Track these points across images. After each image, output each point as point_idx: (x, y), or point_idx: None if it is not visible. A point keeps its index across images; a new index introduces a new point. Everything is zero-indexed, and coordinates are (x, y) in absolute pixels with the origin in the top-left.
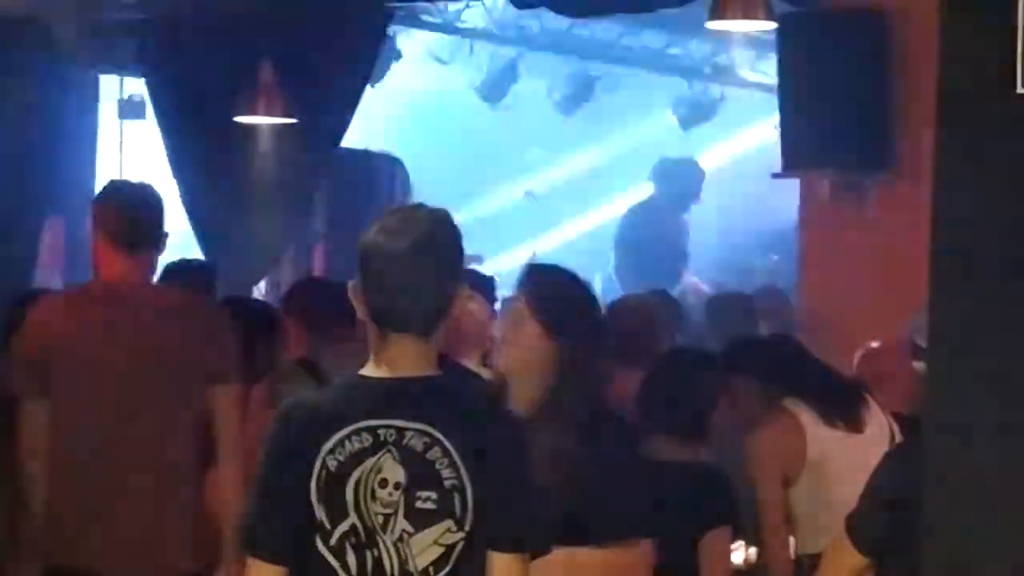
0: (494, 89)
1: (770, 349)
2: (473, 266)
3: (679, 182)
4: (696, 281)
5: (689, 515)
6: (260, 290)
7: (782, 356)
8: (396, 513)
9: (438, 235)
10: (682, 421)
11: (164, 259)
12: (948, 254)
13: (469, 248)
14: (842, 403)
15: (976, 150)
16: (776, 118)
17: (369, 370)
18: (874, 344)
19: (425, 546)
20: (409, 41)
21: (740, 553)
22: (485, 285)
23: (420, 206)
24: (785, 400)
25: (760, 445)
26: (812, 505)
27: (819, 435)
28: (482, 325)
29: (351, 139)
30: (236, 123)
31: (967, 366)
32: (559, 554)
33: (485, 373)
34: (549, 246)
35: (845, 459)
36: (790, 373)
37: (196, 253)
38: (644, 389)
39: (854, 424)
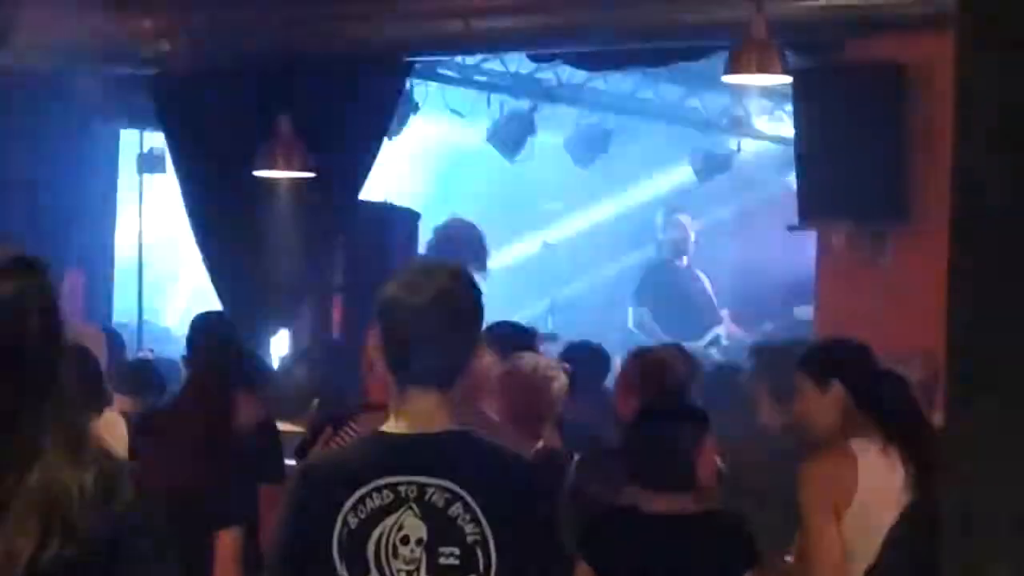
0: (511, 141)
1: (880, 379)
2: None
3: (673, 233)
4: (731, 325)
5: (715, 564)
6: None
7: (887, 388)
8: (418, 570)
9: (457, 290)
10: (668, 475)
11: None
12: (966, 310)
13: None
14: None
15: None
16: (792, 170)
17: (389, 426)
18: None
19: None
20: (427, 94)
21: None
22: (529, 334)
23: (439, 261)
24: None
25: (813, 473)
26: (851, 544)
27: (873, 474)
28: (490, 377)
29: (370, 192)
30: (255, 176)
31: (985, 420)
32: None
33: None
34: (566, 297)
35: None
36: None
37: (215, 304)
38: (627, 445)
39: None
